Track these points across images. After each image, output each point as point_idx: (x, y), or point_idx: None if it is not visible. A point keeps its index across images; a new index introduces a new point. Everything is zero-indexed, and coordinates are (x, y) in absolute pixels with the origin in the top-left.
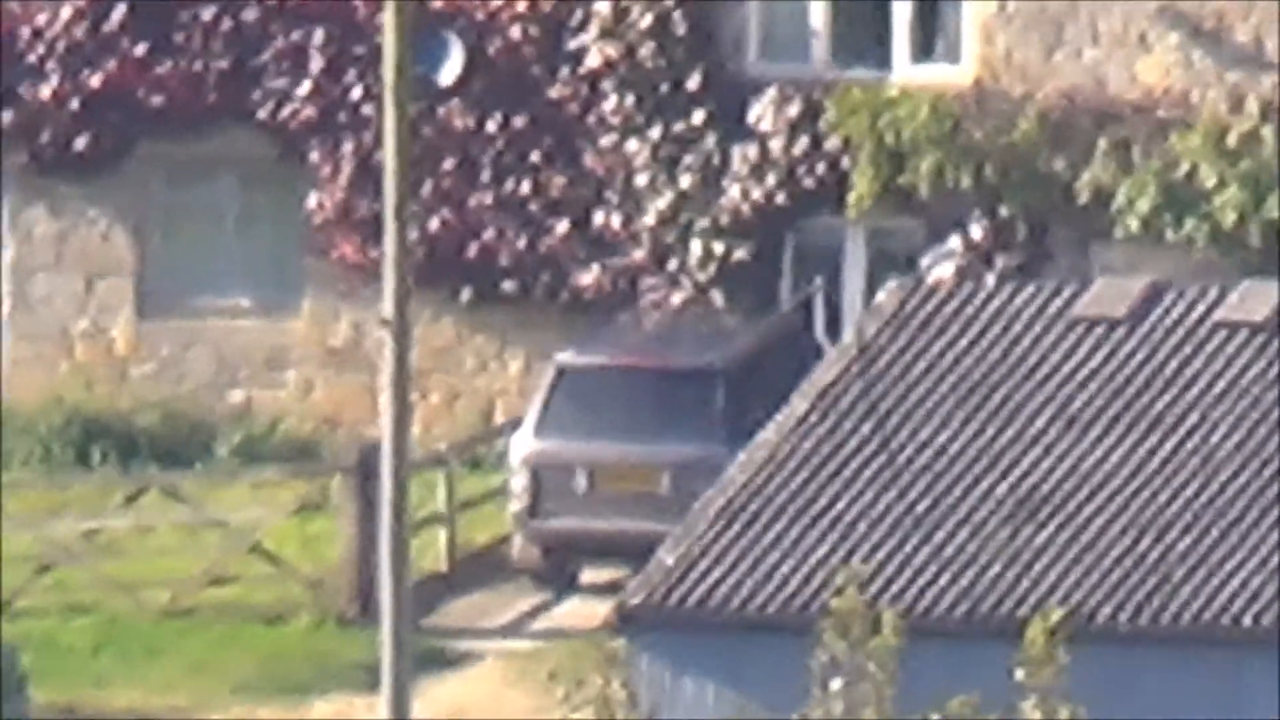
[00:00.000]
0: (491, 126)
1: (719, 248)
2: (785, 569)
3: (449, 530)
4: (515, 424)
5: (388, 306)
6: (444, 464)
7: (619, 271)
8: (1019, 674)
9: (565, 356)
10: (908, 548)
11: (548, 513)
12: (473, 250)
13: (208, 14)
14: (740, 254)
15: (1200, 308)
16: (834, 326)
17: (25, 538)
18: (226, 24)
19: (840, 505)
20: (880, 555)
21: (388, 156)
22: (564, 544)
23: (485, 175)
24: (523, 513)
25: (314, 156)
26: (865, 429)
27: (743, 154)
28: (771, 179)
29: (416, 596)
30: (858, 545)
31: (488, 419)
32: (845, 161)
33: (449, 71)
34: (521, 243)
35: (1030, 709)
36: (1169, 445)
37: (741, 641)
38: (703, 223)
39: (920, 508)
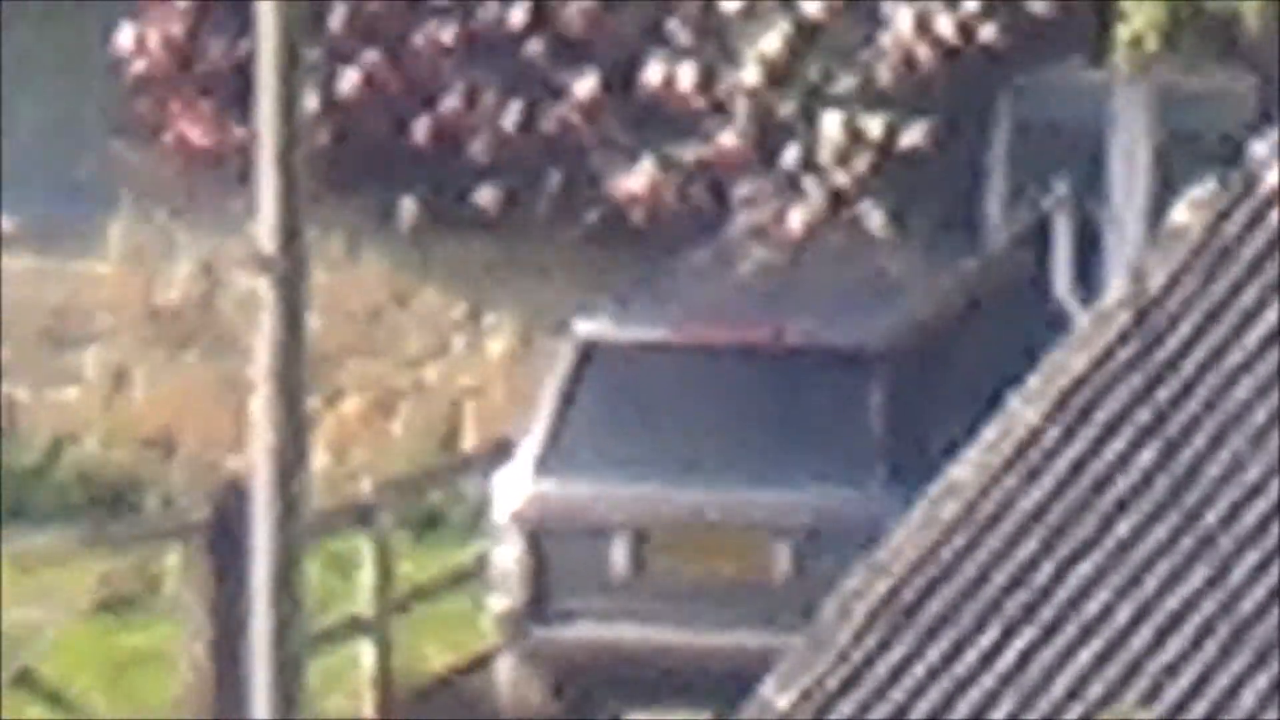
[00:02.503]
0: None
1: (874, 126)
2: (999, 715)
3: (380, 646)
4: (501, 450)
5: (265, 233)
6: (371, 523)
7: (692, 170)
8: None
9: (593, 328)
10: (1231, 668)
11: (562, 614)
12: (420, 129)
13: None
14: (914, 136)
15: None
16: (1089, 273)
17: None
18: None
19: (1097, 601)
20: (1176, 689)
21: None
22: (591, 671)
23: None
24: (516, 614)
25: None
26: (1144, 461)
27: None
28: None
29: None
30: (1136, 670)
31: (450, 441)
32: None
33: None
34: (510, 114)
35: None
36: None
37: None
38: (845, 79)
39: (1251, 600)
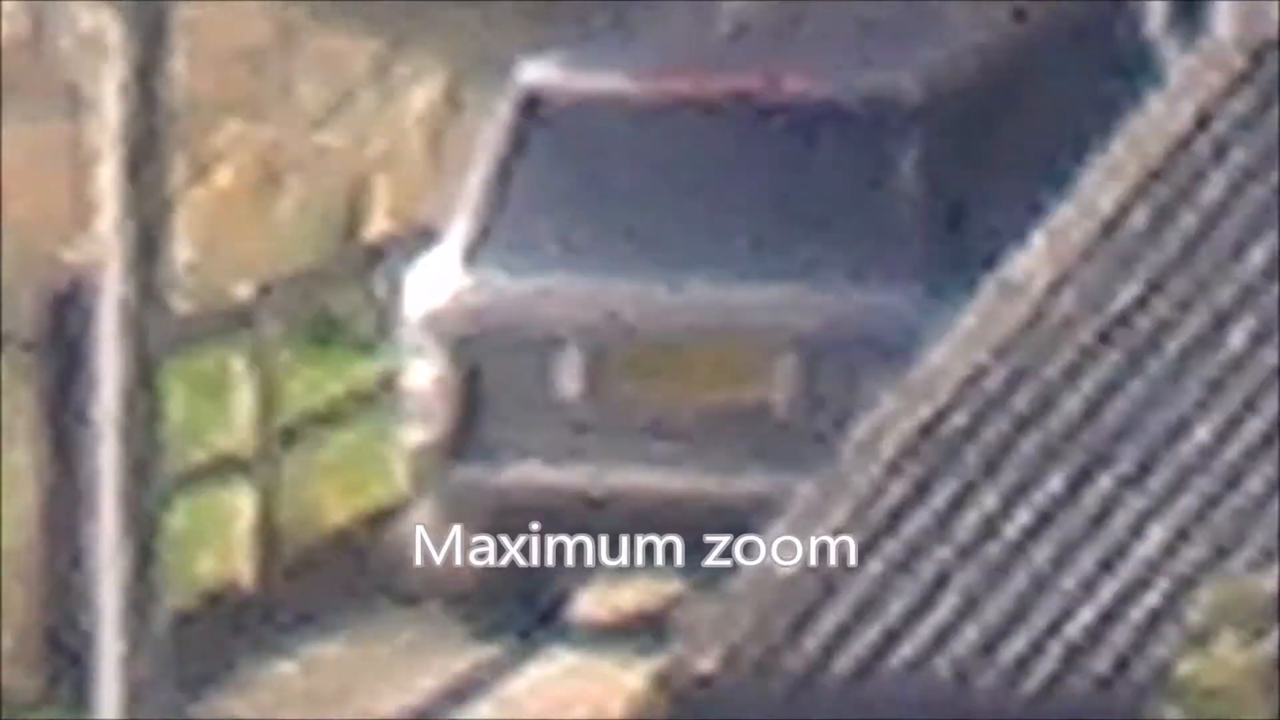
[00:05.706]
0: None
1: None
2: (1072, 580)
3: (261, 490)
4: (419, 237)
5: None
6: (250, 333)
7: None
8: None
9: (539, 74)
10: None
11: (494, 449)
12: None
13: None
14: None
15: None
16: (1188, 3)
17: None
18: None
19: (1203, 432)
20: None
21: None
22: (531, 522)
23: None
24: (435, 449)
25: None
26: (1264, 251)
27: None
28: None
29: (180, 645)
30: (1252, 521)
31: (354, 225)
32: None
33: None
34: None
35: None
36: None
37: None
38: None
39: None
